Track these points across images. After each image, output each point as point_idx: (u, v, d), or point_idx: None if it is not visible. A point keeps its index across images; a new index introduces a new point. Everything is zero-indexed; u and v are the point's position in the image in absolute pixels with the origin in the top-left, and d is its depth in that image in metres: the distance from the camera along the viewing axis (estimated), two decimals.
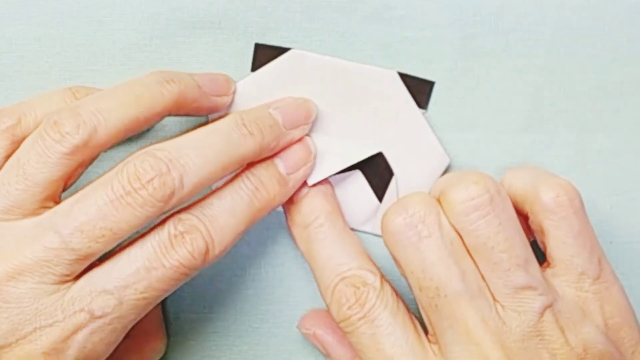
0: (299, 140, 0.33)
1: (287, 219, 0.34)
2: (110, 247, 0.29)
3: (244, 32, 0.34)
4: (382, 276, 0.31)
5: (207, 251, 0.30)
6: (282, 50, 0.34)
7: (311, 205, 0.33)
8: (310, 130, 0.34)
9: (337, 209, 0.33)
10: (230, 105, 0.34)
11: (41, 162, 0.29)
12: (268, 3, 0.34)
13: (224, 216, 0.31)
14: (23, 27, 0.34)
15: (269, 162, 0.33)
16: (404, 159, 0.35)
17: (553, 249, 0.31)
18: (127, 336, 0.30)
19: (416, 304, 0.31)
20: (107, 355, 0.30)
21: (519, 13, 0.34)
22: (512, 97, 0.35)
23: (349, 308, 0.30)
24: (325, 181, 0.34)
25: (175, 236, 0.29)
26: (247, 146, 0.31)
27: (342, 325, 0.31)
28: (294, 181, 0.33)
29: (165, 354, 0.36)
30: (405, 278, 0.31)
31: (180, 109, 0.32)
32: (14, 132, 0.31)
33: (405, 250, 0.30)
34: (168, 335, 0.37)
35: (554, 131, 0.35)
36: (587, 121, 0.35)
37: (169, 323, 0.36)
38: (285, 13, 0.34)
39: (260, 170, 0.32)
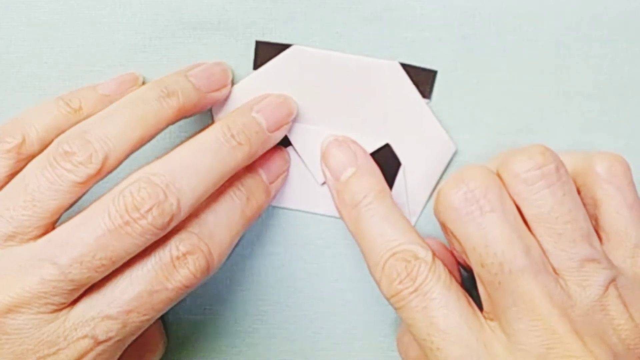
0: (277, 150, 0.34)
1: (334, 198, 0.33)
2: (108, 273, 0.29)
3: (244, 32, 0.34)
4: (434, 252, 0.31)
5: (207, 268, 0.30)
6: (283, 47, 0.34)
7: (360, 184, 0.33)
8: (316, 124, 0.34)
9: (385, 186, 0.33)
10: (228, 96, 0.34)
11: (52, 190, 0.29)
12: (267, 4, 0.34)
13: (221, 230, 0.31)
14: (22, 27, 0.34)
15: (254, 173, 0.33)
16: (410, 149, 0.35)
17: (607, 221, 0.31)
18: None
19: (467, 283, 0.30)
20: None
21: (518, 14, 0.34)
22: (512, 98, 0.35)
23: (400, 282, 0.30)
24: (372, 159, 0.34)
25: (178, 258, 0.29)
26: (237, 158, 0.31)
27: (392, 300, 0.30)
28: (274, 190, 0.34)
29: (166, 355, 0.36)
30: (464, 254, 0.30)
31: (181, 118, 0.32)
32: (20, 150, 0.31)
33: (466, 226, 0.29)
34: (168, 337, 0.37)
35: (554, 131, 0.35)
36: (587, 121, 0.35)
37: (169, 324, 0.37)
38: (284, 14, 0.34)
39: (249, 182, 0.33)
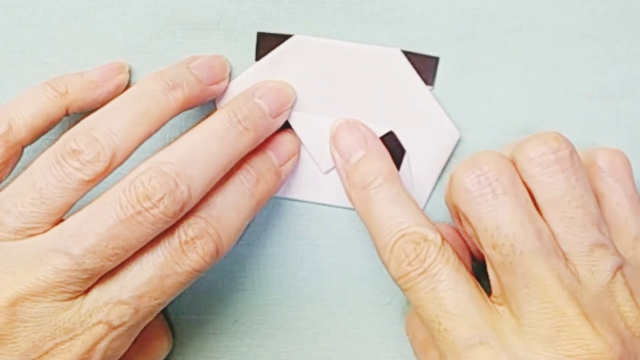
0: (286, 133, 0.34)
1: (343, 181, 0.34)
2: (122, 261, 0.29)
3: (243, 33, 0.34)
4: (442, 235, 0.31)
5: (217, 252, 0.30)
6: (284, 37, 0.34)
7: (370, 166, 0.33)
8: (319, 112, 0.34)
9: (394, 169, 0.33)
10: (233, 89, 0.34)
11: (60, 187, 0.29)
12: (267, 4, 0.34)
13: (230, 214, 0.31)
14: (22, 28, 0.34)
15: (263, 154, 0.33)
16: (414, 136, 0.35)
17: (608, 213, 0.31)
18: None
19: (475, 272, 0.31)
20: (122, 354, 0.30)
21: (518, 14, 0.34)
22: (512, 98, 0.35)
23: (409, 264, 0.30)
24: (381, 142, 0.34)
25: (187, 242, 0.30)
26: (244, 142, 0.31)
27: (400, 282, 0.30)
28: (284, 173, 0.34)
29: (166, 355, 0.36)
30: (475, 238, 0.30)
31: (183, 110, 0.32)
32: (7, 138, 0.31)
33: (478, 207, 0.30)
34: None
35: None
36: (587, 121, 0.35)
37: (170, 324, 0.37)
38: (284, 14, 0.34)
39: (258, 163, 0.33)
